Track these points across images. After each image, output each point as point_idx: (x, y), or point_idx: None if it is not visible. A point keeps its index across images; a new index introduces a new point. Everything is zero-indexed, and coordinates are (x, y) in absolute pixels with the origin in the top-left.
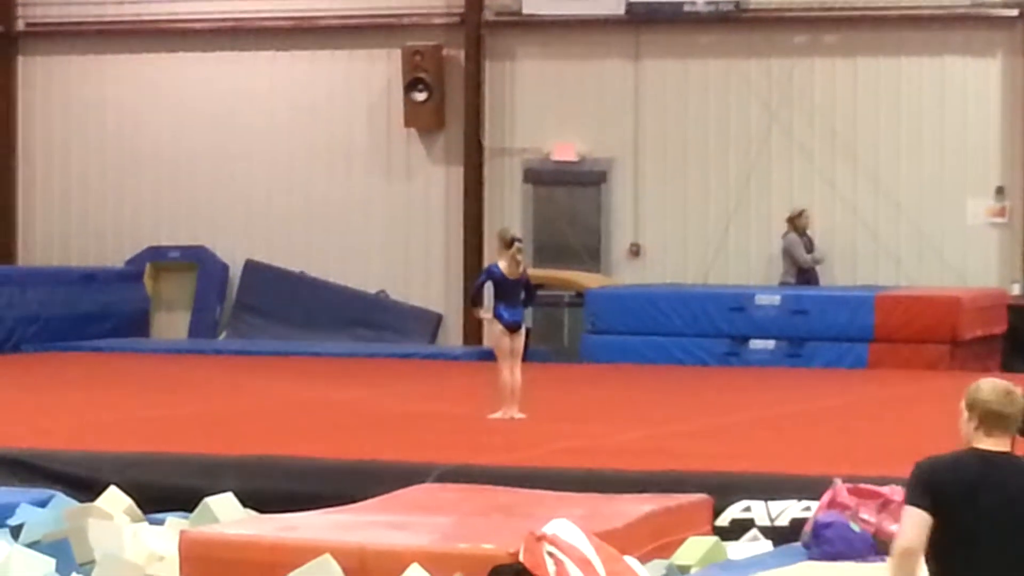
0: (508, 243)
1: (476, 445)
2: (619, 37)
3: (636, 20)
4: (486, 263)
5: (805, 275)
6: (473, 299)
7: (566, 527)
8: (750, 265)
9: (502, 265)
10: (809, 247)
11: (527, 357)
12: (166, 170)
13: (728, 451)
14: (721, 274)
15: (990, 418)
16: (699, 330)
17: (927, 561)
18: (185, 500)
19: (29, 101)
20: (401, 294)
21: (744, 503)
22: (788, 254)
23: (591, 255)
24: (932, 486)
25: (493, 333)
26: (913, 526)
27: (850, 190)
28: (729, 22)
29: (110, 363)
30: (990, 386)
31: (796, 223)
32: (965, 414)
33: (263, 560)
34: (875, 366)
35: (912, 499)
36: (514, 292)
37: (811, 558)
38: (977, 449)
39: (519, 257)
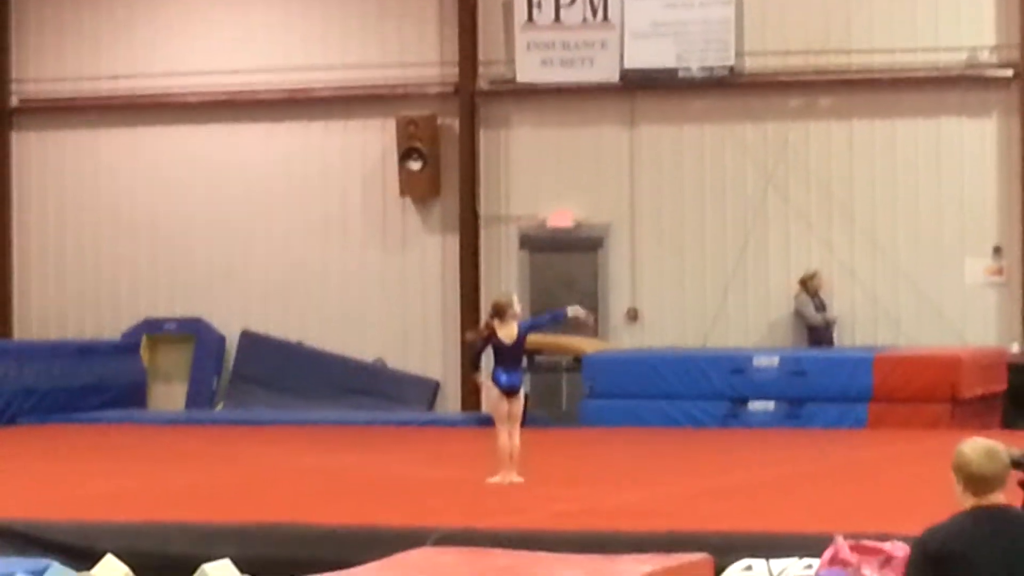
0: (503, 308)
1: (475, 509)
2: (614, 104)
3: (631, 86)
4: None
5: (817, 336)
6: (472, 362)
7: None
8: (748, 329)
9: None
10: (820, 308)
11: (526, 422)
12: (162, 242)
13: (728, 511)
14: (720, 338)
15: (974, 480)
16: (698, 393)
17: None
18: (182, 568)
19: (24, 176)
20: (398, 362)
21: (745, 562)
22: (798, 315)
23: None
24: (935, 561)
25: (490, 397)
26: None
27: (847, 252)
28: (724, 87)
29: (107, 435)
30: (970, 448)
31: (808, 285)
32: (954, 477)
33: None
34: (875, 426)
35: None
36: (511, 356)
37: None
38: (972, 510)
39: (514, 316)
